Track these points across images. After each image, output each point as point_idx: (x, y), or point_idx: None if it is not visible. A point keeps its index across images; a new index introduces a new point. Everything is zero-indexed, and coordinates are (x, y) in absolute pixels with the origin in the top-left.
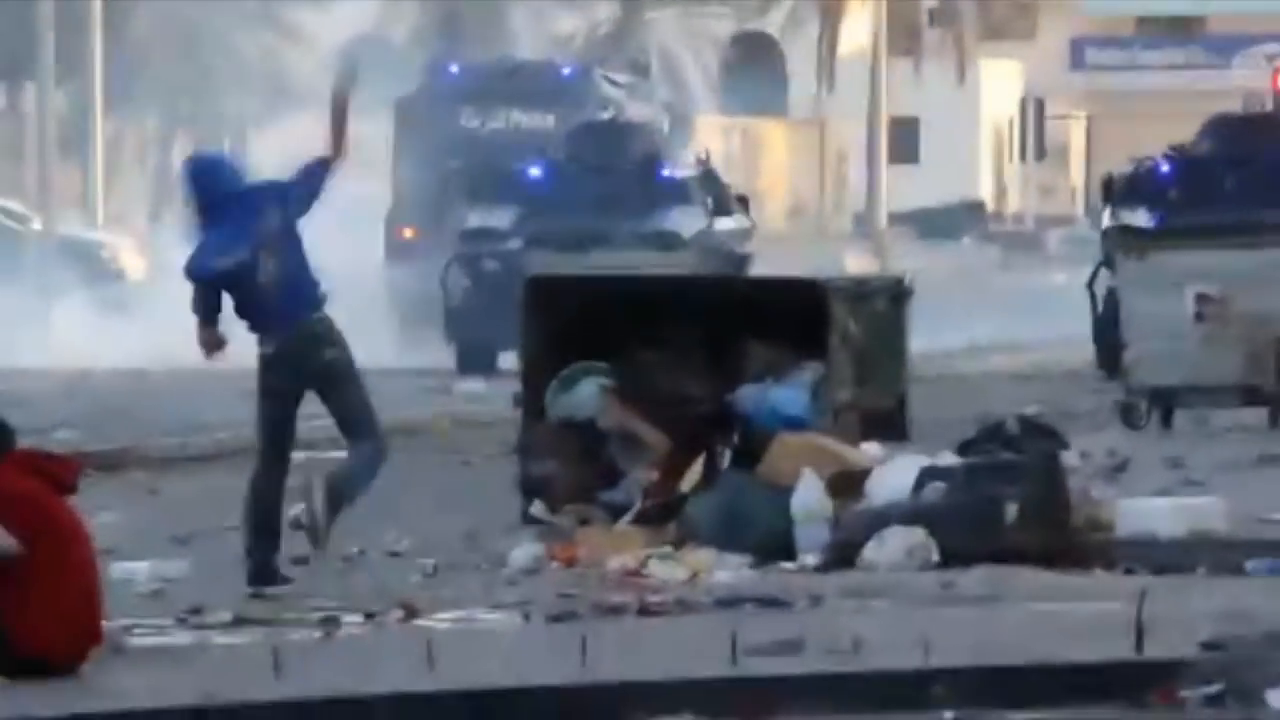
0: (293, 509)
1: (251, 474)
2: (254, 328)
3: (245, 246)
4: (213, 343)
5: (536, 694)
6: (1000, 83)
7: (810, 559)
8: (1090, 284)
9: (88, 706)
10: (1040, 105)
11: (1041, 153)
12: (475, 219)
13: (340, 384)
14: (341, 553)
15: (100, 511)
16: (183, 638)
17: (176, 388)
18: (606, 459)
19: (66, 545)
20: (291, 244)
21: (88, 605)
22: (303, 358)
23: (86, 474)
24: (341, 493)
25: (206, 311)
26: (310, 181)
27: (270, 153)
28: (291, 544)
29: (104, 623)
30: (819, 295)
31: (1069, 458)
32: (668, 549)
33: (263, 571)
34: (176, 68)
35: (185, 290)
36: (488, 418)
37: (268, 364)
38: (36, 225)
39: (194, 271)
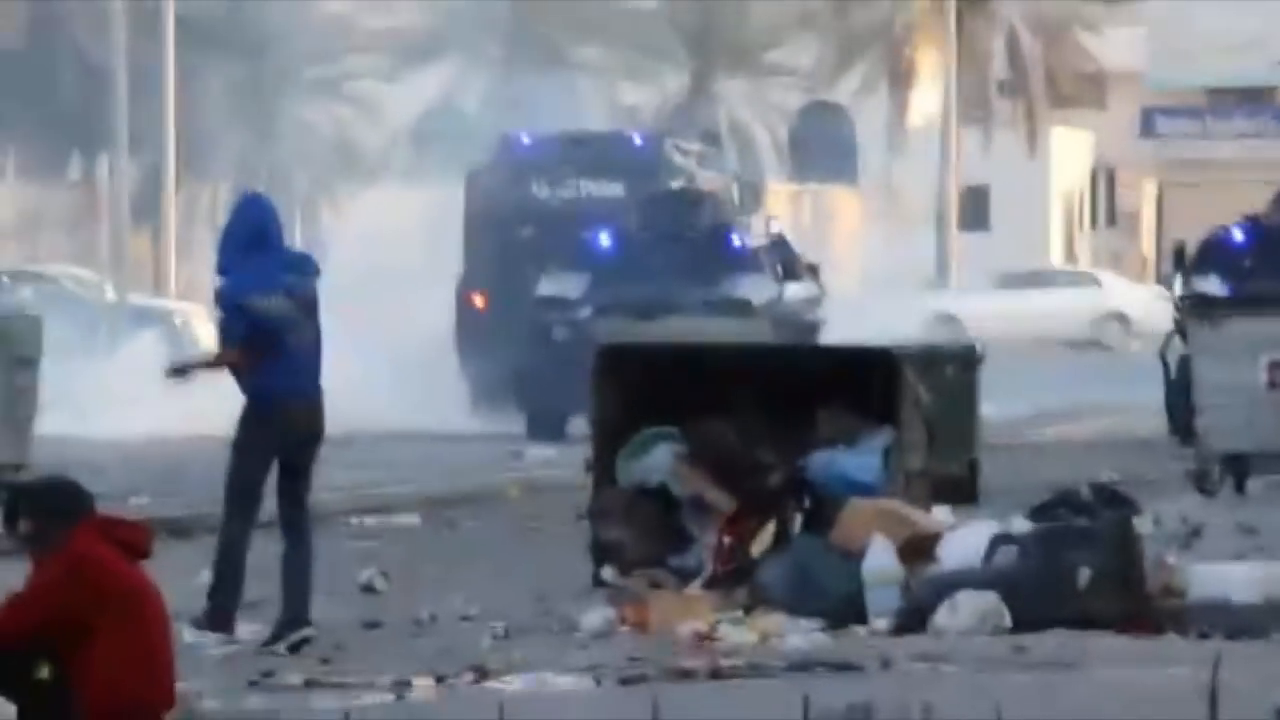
0: (364, 573)
1: (223, 524)
2: (268, 382)
3: (284, 298)
4: (229, 361)
5: None
6: (1071, 151)
7: (881, 623)
8: (1163, 351)
9: None
10: (1111, 174)
11: (1112, 220)
12: (546, 287)
13: (310, 464)
14: (412, 616)
15: (173, 576)
16: (255, 701)
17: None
18: (677, 524)
19: (140, 609)
20: (316, 320)
21: (161, 669)
22: (305, 426)
23: (159, 539)
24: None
25: (239, 335)
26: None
27: (339, 222)
28: (363, 609)
29: (177, 686)
30: (890, 363)
31: (1142, 524)
32: (739, 613)
33: (217, 618)
34: (248, 138)
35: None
36: (559, 483)
37: (263, 420)
38: (109, 293)
39: (237, 296)
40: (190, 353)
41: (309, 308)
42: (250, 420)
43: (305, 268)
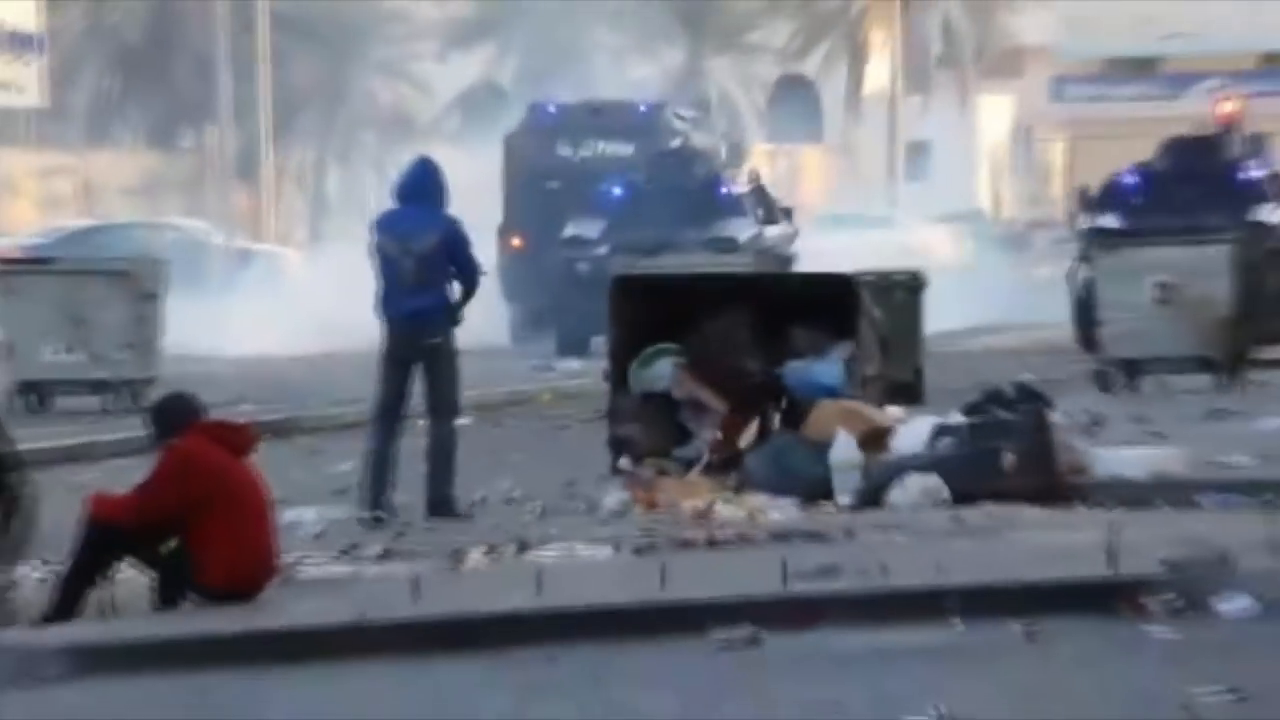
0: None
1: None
2: (380, 304)
3: (392, 239)
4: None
5: (625, 611)
6: (995, 113)
7: (845, 501)
8: (1070, 275)
9: (265, 625)
10: (1028, 131)
11: (1030, 170)
12: (570, 230)
13: (429, 373)
14: (467, 499)
15: (273, 469)
16: (340, 569)
17: (332, 368)
18: (679, 422)
19: (245, 497)
20: (436, 264)
21: (265, 544)
22: (406, 341)
23: (262, 438)
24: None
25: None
26: (463, 257)
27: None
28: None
29: (278, 558)
30: (850, 288)
31: (1054, 416)
32: (730, 494)
33: (376, 501)
34: (327, 111)
35: (337, 290)
36: (582, 390)
37: (385, 333)
38: (218, 240)
39: (370, 233)
40: (282, 286)
41: (416, 250)
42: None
43: (428, 221)
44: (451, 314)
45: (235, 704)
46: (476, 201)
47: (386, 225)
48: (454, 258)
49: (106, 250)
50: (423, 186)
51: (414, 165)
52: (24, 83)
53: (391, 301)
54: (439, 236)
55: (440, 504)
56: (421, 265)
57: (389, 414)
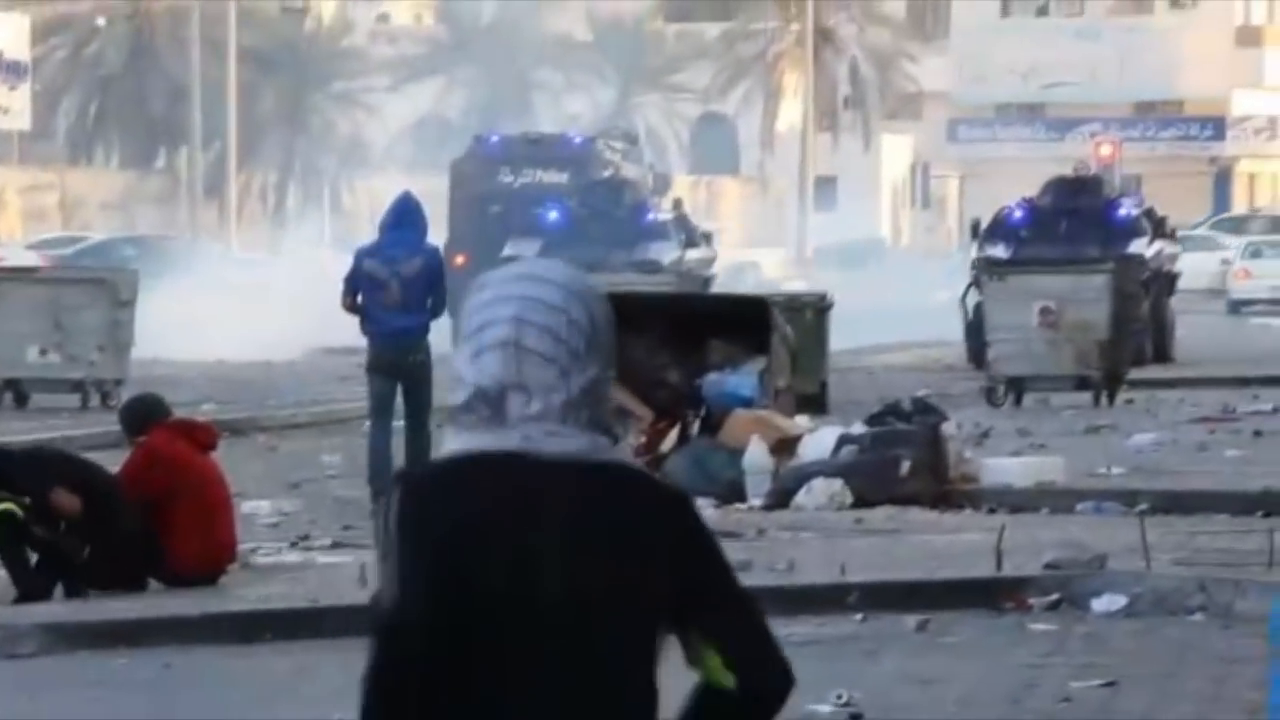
0: None
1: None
2: (365, 323)
3: (381, 264)
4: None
5: None
6: (896, 151)
7: (757, 502)
8: (962, 299)
9: (224, 607)
10: (925, 168)
11: (926, 203)
12: (510, 249)
13: (411, 386)
14: None
15: (233, 464)
16: (294, 557)
17: (290, 371)
18: None
19: (208, 489)
20: (419, 287)
21: (225, 533)
22: (390, 357)
23: (223, 436)
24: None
25: (350, 285)
26: (439, 283)
27: (355, 200)
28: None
29: (238, 546)
30: (764, 307)
31: (947, 428)
32: None
33: (380, 491)
34: (289, 136)
35: (297, 299)
36: None
37: (370, 349)
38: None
39: (357, 258)
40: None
41: (402, 274)
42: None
43: (414, 247)
44: (427, 332)
45: (197, 679)
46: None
47: (375, 251)
48: (431, 283)
49: (121, 260)
50: (408, 217)
51: (400, 199)
52: (10, 105)
53: (377, 320)
54: (423, 261)
55: None
56: (406, 287)
57: (382, 416)
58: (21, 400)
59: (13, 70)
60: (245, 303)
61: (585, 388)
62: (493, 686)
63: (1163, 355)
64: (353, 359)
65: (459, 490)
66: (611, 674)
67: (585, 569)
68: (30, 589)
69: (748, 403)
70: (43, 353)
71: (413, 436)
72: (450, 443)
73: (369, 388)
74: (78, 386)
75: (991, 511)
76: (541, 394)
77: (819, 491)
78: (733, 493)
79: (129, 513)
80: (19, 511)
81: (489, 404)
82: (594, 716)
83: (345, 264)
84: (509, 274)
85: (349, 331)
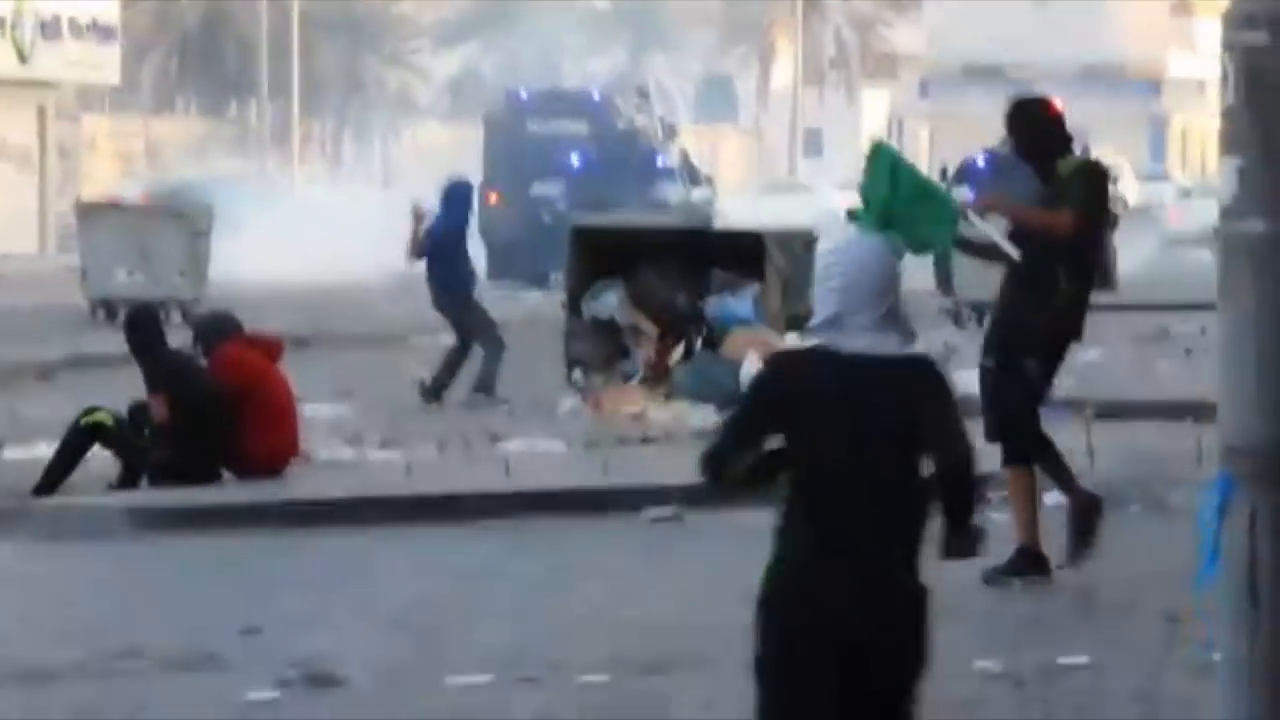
0: (419, 375)
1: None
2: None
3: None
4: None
5: (576, 493)
6: (875, 106)
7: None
8: None
9: (289, 496)
10: (900, 122)
11: (902, 152)
12: (536, 189)
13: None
14: (451, 401)
15: (298, 371)
16: (347, 454)
17: (346, 291)
18: (621, 343)
19: (275, 393)
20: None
21: (289, 432)
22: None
23: (288, 347)
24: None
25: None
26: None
27: (401, 149)
28: (417, 397)
29: (301, 443)
30: (759, 240)
31: (917, 345)
32: (660, 401)
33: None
34: (344, 90)
35: (352, 231)
36: (545, 317)
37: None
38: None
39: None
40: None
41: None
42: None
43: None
44: None
45: (264, 559)
46: (462, 164)
47: (446, 221)
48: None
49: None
50: (462, 196)
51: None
52: (103, 63)
53: (439, 272)
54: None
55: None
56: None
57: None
58: (112, 316)
59: (104, 32)
60: (307, 234)
61: (889, 310)
62: (825, 496)
63: (1107, 283)
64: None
65: (813, 368)
66: (898, 480)
67: (887, 416)
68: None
69: (745, 322)
70: (129, 275)
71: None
72: (808, 341)
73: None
74: (160, 305)
75: None
76: (866, 313)
77: None
78: (731, 399)
79: (214, 415)
80: (109, 424)
81: (834, 322)
82: (891, 507)
83: (393, 201)
84: (841, 240)
85: (396, 258)
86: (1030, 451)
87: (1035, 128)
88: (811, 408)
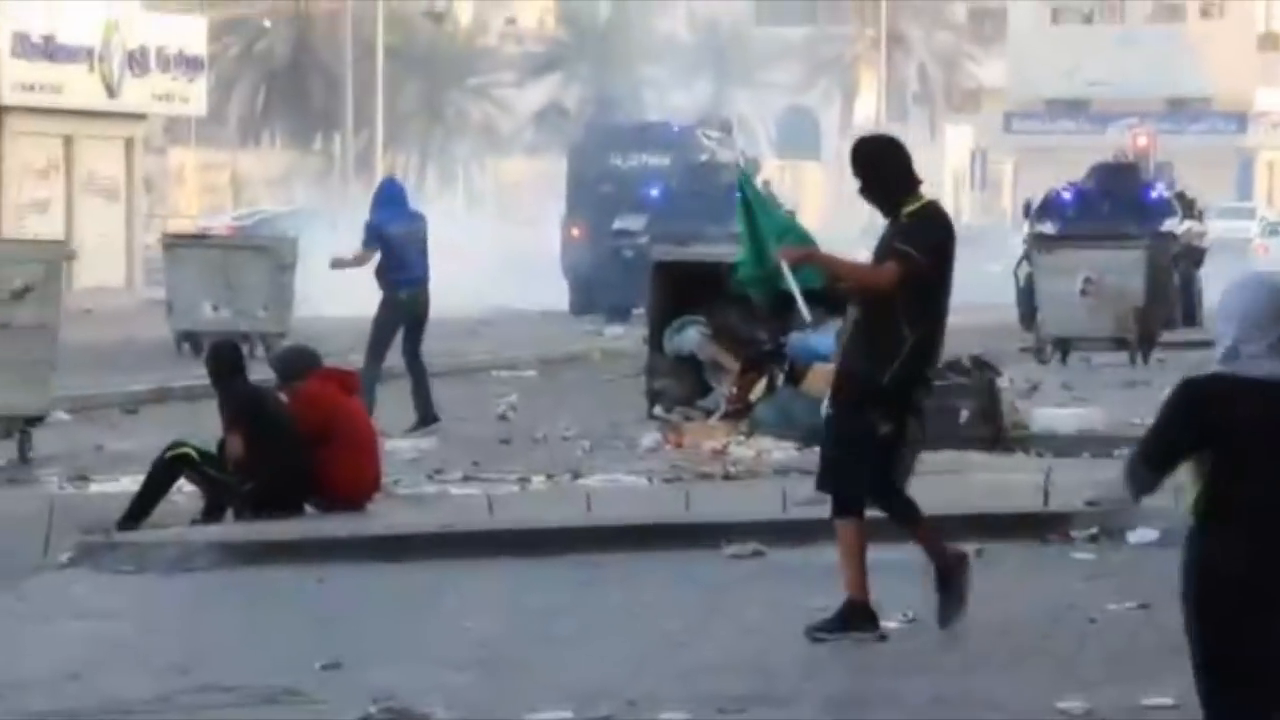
0: (500, 407)
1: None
2: (389, 279)
3: (403, 230)
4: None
5: (656, 528)
6: (958, 140)
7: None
8: (1015, 270)
9: (370, 530)
10: (984, 155)
11: (984, 185)
12: (619, 223)
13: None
14: (531, 435)
15: (378, 407)
16: (430, 488)
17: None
18: (703, 379)
19: (356, 427)
20: (420, 247)
21: (371, 466)
22: (409, 307)
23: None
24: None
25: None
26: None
27: (485, 180)
28: (498, 430)
29: (382, 477)
30: None
31: (1001, 382)
32: (742, 437)
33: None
34: (428, 123)
35: (433, 264)
36: (625, 351)
37: (388, 302)
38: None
39: (380, 226)
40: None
41: (416, 240)
42: (383, 302)
43: (417, 219)
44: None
45: (347, 591)
46: (546, 198)
47: (397, 220)
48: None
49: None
50: (402, 193)
51: (390, 180)
52: (190, 95)
53: (403, 275)
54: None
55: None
56: (419, 251)
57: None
58: (197, 349)
59: (191, 64)
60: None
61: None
62: (1250, 510)
63: (1191, 319)
64: (481, 315)
65: (1236, 393)
66: None
67: None
68: (134, 514)
69: (826, 358)
70: (215, 309)
71: (419, 372)
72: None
73: (379, 327)
74: (244, 339)
75: (1039, 455)
76: (1256, 341)
77: None
78: (813, 436)
79: (293, 448)
80: (194, 457)
81: (1231, 353)
82: None
83: (477, 233)
84: (1235, 280)
85: (474, 291)
86: (864, 505)
87: (879, 167)
88: (1243, 430)
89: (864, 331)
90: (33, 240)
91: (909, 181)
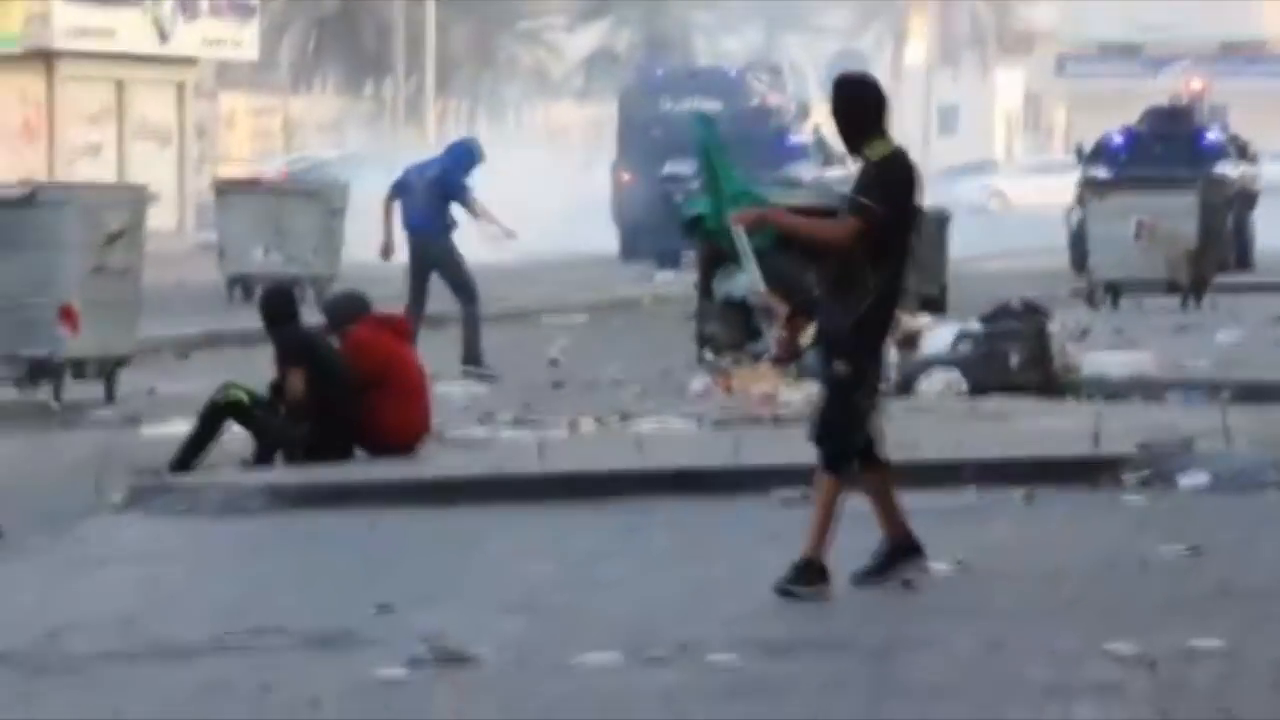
0: (552, 351)
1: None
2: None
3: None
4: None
5: (706, 473)
6: (1010, 83)
7: (883, 388)
8: (1068, 214)
9: (421, 474)
10: (1036, 99)
11: (1036, 129)
12: (669, 168)
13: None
14: (582, 380)
15: (429, 350)
16: (480, 432)
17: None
18: (752, 323)
19: (409, 373)
20: (438, 193)
21: (422, 411)
22: (420, 249)
23: (423, 327)
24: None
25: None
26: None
27: (535, 125)
28: (550, 375)
29: (432, 422)
30: None
31: (1052, 326)
32: (791, 381)
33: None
34: (479, 68)
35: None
36: (675, 296)
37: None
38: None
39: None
40: None
41: (427, 185)
42: (453, 245)
43: (424, 170)
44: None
45: (397, 536)
46: (596, 143)
47: (406, 174)
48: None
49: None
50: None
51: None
52: (242, 40)
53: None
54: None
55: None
56: (429, 196)
57: None
58: (248, 293)
59: (243, 9)
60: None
61: None
62: None
63: (1244, 263)
64: (532, 260)
65: None
66: None
67: None
68: (185, 458)
69: None
70: (265, 253)
71: (465, 306)
72: None
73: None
74: (295, 283)
75: (1090, 399)
76: None
77: (938, 380)
78: None
79: (345, 393)
80: (246, 400)
81: None
82: None
83: (527, 177)
84: None
85: (529, 237)
86: (875, 452)
87: (848, 107)
88: None
89: (835, 284)
90: (121, 185)
91: (875, 124)
